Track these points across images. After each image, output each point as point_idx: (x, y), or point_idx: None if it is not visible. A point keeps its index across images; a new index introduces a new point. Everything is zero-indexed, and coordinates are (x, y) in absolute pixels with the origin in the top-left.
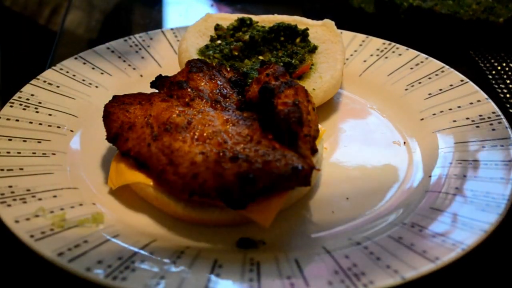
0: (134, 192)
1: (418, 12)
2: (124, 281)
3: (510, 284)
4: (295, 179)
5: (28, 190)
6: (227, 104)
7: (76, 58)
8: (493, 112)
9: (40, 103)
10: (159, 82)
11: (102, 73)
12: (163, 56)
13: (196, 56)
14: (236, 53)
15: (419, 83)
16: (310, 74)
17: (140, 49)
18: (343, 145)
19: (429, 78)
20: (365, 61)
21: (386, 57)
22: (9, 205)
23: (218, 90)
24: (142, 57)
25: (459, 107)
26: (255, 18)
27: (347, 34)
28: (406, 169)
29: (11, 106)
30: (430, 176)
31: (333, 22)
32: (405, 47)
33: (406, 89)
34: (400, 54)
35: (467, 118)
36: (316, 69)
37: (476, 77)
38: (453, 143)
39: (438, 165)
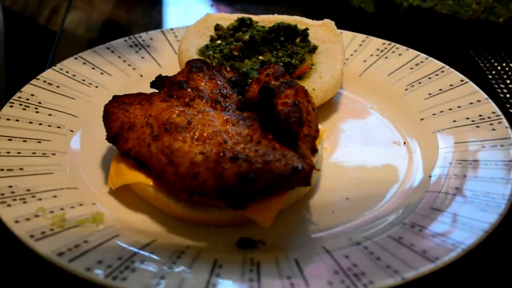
0: (134, 192)
1: (418, 12)
2: (124, 281)
3: (510, 284)
4: (295, 179)
5: (28, 190)
6: (227, 104)
7: (76, 58)
8: (493, 112)
9: (40, 103)
10: (159, 82)
11: (102, 73)
12: (163, 56)
13: (196, 56)
14: (236, 53)
15: (419, 83)
16: (310, 74)
17: (140, 49)
18: (343, 145)
19: (429, 78)
20: (365, 61)
21: (386, 57)
22: (9, 205)
23: (218, 90)
24: (142, 57)
25: (459, 107)
26: (255, 18)
27: (347, 34)
28: (406, 169)
29: (11, 106)
30: (430, 176)
31: (333, 22)
32: (405, 47)
33: (406, 89)
34: (400, 54)
35: (467, 118)
36: (316, 69)
37: (476, 77)
38: (453, 143)
39: (438, 165)
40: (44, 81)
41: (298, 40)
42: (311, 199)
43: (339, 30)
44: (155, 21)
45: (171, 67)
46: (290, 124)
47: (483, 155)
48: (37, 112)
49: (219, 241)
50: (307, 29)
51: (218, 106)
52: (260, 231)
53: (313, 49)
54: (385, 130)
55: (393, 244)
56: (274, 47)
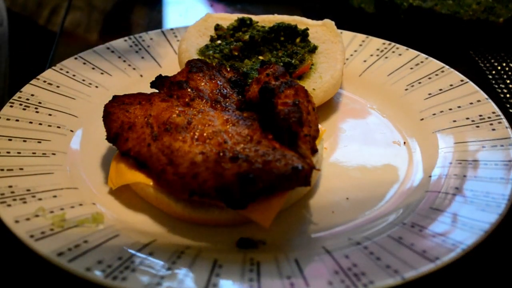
0: (134, 192)
1: (418, 12)
2: (124, 281)
3: (510, 284)
4: (295, 179)
5: (28, 190)
6: (227, 104)
7: (76, 58)
8: (493, 112)
9: (40, 103)
10: (159, 82)
11: (102, 73)
12: (163, 56)
13: (196, 56)
14: (236, 53)
15: (419, 83)
16: (310, 74)
17: (140, 49)
18: (343, 145)
19: (429, 78)
20: (365, 61)
21: (386, 57)
22: (9, 205)
23: (218, 90)
24: (142, 57)
25: (459, 107)
26: (255, 18)
27: (347, 34)
28: (406, 169)
29: (11, 106)
30: (430, 176)
31: (333, 22)
32: (405, 47)
33: (406, 89)
34: (400, 54)
35: (467, 118)
36: (316, 69)
37: (476, 77)
38: (453, 143)
39: (438, 165)
40: (44, 81)
41: (298, 40)
42: (311, 199)
43: (339, 30)
44: (155, 21)
45: (171, 67)
46: (290, 124)
47: (483, 155)
48: (37, 112)
49: (219, 241)
50: (307, 29)
51: (218, 106)
52: (260, 231)
53: (313, 49)
54: (385, 130)
55: (393, 244)
56: (274, 47)
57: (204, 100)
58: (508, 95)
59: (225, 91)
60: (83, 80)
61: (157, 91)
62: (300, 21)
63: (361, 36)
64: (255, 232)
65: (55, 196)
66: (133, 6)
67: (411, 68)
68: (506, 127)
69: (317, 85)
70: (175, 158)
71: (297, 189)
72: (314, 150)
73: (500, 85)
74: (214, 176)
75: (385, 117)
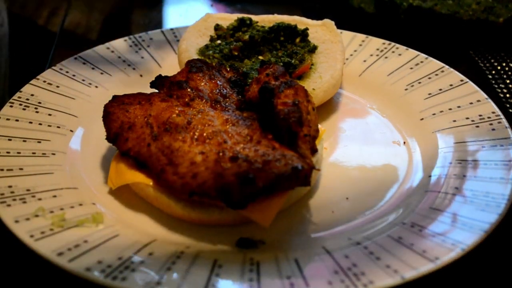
0: (134, 192)
1: (418, 12)
2: (124, 281)
3: (510, 284)
4: (295, 179)
5: (28, 190)
6: (227, 104)
7: (76, 58)
8: (493, 112)
9: (40, 103)
10: (159, 82)
11: (102, 73)
12: (163, 56)
13: (196, 56)
14: (236, 53)
15: (419, 83)
16: (310, 74)
17: (140, 49)
18: (343, 145)
19: (429, 78)
20: (365, 61)
21: (386, 57)
22: (9, 205)
23: (218, 90)
24: (142, 57)
25: (459, 107)
26: (255, 18)
27: (347, 34)
28: (406, 169)
29: (11, 106)
30: (430, 176)
31: (333, 22)
32: (405, 47)
33: (406, 89)
34: (400, 54)
35: (467, 118)
36: (316, 69)
37: (476, 77)
38: (453, 143)
39: (438, 165)
40: (44, 81)
41: (298, 40)
42: (311, 199)
43: (339, 30)
44: (155, 21)
45: (171, 67)
46: (290, 124)
47: (483, 155)
48: (37, 112)
49: (219, 241)
50: (307, 29)
51: (218, 106)
52: (260, 231)
53: (313, 49)
54: (385, 130)
55: (393, 244)
56: (274, 47)
57: (204, 100)
58: (508, 95)
59: (225, 91)
60: (83, 80)
61: (157, 91)
62: (300, 21)
63: (361, 36)
64: (255, 232)
65: (55, 196)
66: (133, 6)
67: (411, 68)
68: (506, 127)
69: (317, 85)
70: (175, 158)
71: (297, 189)
72: (314, 150)
73: (500, 85)
74: (214, 176)
75: (385, 117)
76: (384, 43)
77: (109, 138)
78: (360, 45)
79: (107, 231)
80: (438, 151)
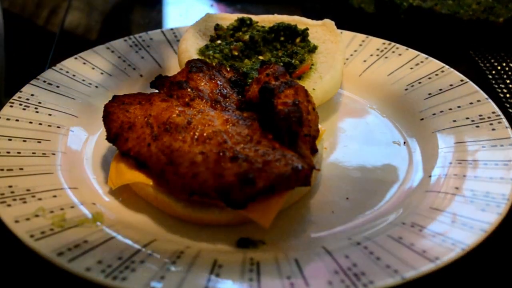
0: (134, 192)
1: (418, 12)
2: (124, 281)
3: (510, 284)
4: (295, 179)
5: (28, 190)
6: (227, 104)
7: (76, 58)
8: (493, 112)
9: (40, 103)
10: (159, 82)
11: (102, 73)
12: (163, 56)
13: (196, 56)
14: (236, 53)
15: (419, 83)
16: (310, 74)
17: (140, 49)
18: (343, 145)
19: (429, 78)
20: (365, 61)
21: (386, 57)
22: (9, 205)
23: (218, 90)
24: (142, 57)
25: (459, 107)
26: (255, 18)
27: (347, 34)
28: (406, 169)
29: (11, 106)
30: (430, 176)
31: (333, 22)
32: (405, 47)
33: (406, 89)
34: (400, 54)
35: (467, 118)
36: (316, 69)
37: (476, 77)
38: (453, 143)
39: (438, 165)
40: (44, 81)
41: (298, 40)
42: (311, 199)
43: (339, 30)
44: (155, 21)
45: (171, 67)
46: (290, 124)
47: (483, 155)
48: (37, 112)
49: (219, 241)
50: (307, 29)
51: (218, 106)
52: (260, 231)
53: (313, 49)
54: (385, 130)
55: (393, 244)
56: (274, 47)
57: (204, 100)
58: (508, 95)
59: (225, 91)
60: (83, 80)
61: (157, 91)
62: (300, 21)
63: (361, 36)
64: (255, 232)
65: (55, 196)
66: (133, 6)
67: (411, 68)
68: (506, 127)
69: (317, 85)
70: (175, 158)
71: (297, 189)
72: (314, 150)
73: (500, 85)
74: (214, 176)
75: (385, 117)
76: (384, 43)
77: (109, 138)
78: (360, 45)
79: (107, 231)
80: (438, 151)
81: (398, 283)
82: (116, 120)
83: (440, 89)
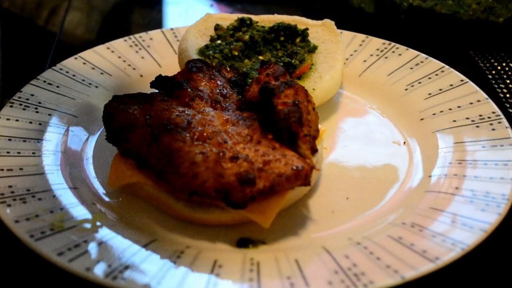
0: (134, 192)
1: (418, 12)
2: (124, 281)
3: (510, 284)
4: (295, 179)
5: (28, 190)
6: (227, 104)
7: (76, 58)
8: (493, 112)
9: (40, 103)
10: (159, 82)
11: (102, 73)
12: (163, 56)
13: (196, 56)
14: (236, 53)
15: (419, 83)
16: (310, 74)
17: (140, 49)
18: (343, 145)
19: (429, 78)
20: (365, 61)
21: (386, 57)
22: (9, 205)
23: (218, 90)
24: (142, 57)
25: (459, 107)
26: (255, 18)
27: (347, 34)
28: (406, 169)
29: (11, 106)
30: (430, 176)
31: (333, 22)
32: (405, 47)
33: (406, 89)
34: (400, 54)
35: (467, 118)
36: (316, 69)
37: (476, 77)
38: (453, 143)
39: (438, 165)
40: (44, 81)
41: (298, 40)
42: (311, 199)
43: (339, 30)
44: (155, 21)
45: (171, 67)
46: (290, 124)
47: (483, 155)
48: (37, 112)
49: (219, 241)
50: (307, 29)
51: (218, 106)
52: (260, 231)
53: (313, 49)
54: (385, 130)
55: (393, 244)
56: (274, 47)
57: (204, 100)
58: (508, 95)
59: (225, 91)
60: (83, 80)
61: (157, 91)
62: (300, 21)
63: (361, 36)
64: (255, 232)
65: (55, 196)
66: (133, 6)
67: (411, 68)
68: (506, 127)
69: (317, 85)
70: (175, 158)
71: (297, 189)
72: (314, 150)
73: (500, 85)
74: (214, 176)
75: (385, 117)
76: (384, 43)
77: (109, 138)
78: (360, 45)
79: (107, 231)
80: (438, 151)
81: (398, 283)
82: (116, 120)
83: (440, 89)
